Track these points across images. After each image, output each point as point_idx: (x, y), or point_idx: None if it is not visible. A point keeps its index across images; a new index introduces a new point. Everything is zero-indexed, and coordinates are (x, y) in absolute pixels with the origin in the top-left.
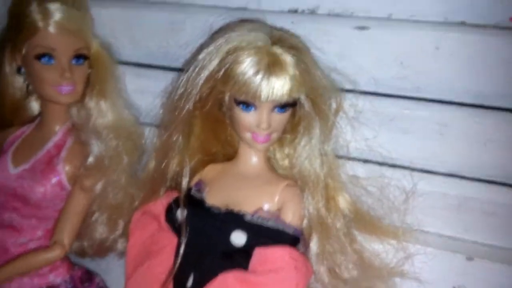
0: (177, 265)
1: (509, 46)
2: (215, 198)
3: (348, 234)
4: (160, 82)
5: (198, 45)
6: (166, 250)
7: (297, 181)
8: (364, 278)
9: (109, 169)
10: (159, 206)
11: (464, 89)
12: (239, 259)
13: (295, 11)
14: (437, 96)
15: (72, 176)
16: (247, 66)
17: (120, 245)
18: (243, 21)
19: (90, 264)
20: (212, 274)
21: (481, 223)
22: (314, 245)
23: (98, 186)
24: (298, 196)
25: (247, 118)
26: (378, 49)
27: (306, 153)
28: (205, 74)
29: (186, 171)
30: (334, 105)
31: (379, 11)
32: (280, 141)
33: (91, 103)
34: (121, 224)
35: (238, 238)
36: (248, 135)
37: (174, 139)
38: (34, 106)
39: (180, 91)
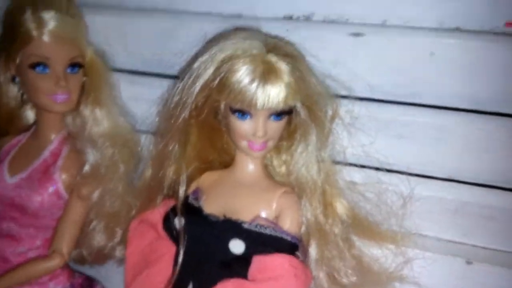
0: (176, 274)
1: (504, 51)
2: (212, 206)
3: (346, 239)
4: (155, 89)
5: (193, 52)
6: (165, 258)
7: (294, 188)
8: (364, 283)
9: (105, 177)
10: (157, 214)
11: (460, 94)
12: (238, 267)
13: (290, 18)
14: (433, 101)
15: (69, 184)
16: (242, 74)
17: (118, 252)
18: (237, 29)
19: (90, 271)
20: (211, 282)
21: (479, 227)
22: (313, 251)
23: (95, 195)
24: (296, 203)
25: (243, 126)
26: (373, 55)
27: (303, 160)
28: (200, 83)
29: (183, 180)
30: (330, 112)
31: (374, 17)
32: (277, 148)
33: (86, 111)
34: (118, 232)
35: (237, 246)
36: (244, 143)
37: (170, 147)
38: (30, 114)
39: (175, 99)
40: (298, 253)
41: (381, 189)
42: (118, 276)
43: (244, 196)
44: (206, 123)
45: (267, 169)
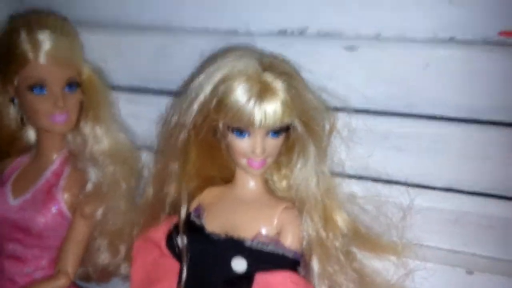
0: None
1: (498, 60)
2: (214, 223)
3: (347, 253)
4: (153, 106)
5: (190, 68)
6: (169, 276)
7: (295, 203)
8: None
9: (107, 195)
10: (159, 232)
11: (456, 104)
12: (241, 285)
13: (284, 32)
14: (429, 112)
15: (72, 204)
16: (239, 94)
17: (123, 269)
18: (233, 48)
19: None
20: None
21: (479, 237)
22: (314, 266)
23: (98, 213)
24: (296, 218)
25: (241, 144)
26: (368, 68)
27: (303, 174)
28: (198, 103)
29: (184, 198)
30: (327, 126)
31: (367, 30)
32: (277, 164)
33: (86, 128)
34: (122, 249)
35: (239, 264)
36: (243, 161)
37: (171, 166)
38: (30, 134)
39: (174, 119)
40: (300, 269)
41: (380, 201)
42: None
43: (245, 213)
44: (205, 141)
45: (267, 184)
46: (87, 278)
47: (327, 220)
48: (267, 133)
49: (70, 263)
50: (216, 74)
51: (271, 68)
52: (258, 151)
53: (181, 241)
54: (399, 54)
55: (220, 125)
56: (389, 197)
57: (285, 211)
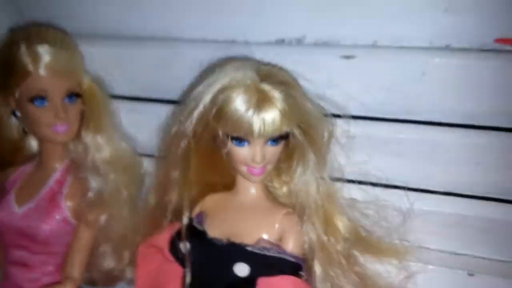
0: None
1: (494, 67)
2: (216, 230)
3: (349, 257)
4: (153, 115)
5: (189, 77)
6: (173, 281)
7: (295, 208)
8: None
9: (109, 202)
10: (163, 239)
11: (453, 110)
12: None
13: (282, 42)
14: (427, 118)
15: (75, 211)
16: (237, 104)
17: (128, 273)
18: (231, 59)
19: None
20: None
21: (480, 239)
22: (316, 270)
23: (101, 220)
24: (297, 223)
25: (241, 152)
26: (365, 76)
27: (303, 180)
28: (197, 113)
29: (186, 205)
30: (326, 133)
31: (364, 38)
32: (277, 170)
33: (87, 138)
34: (126, 254)
35: (241, 269)
36: (244, 168)
37: (172, 174)
38: (33, 144)
39: (174, 129)
40: (302, 273)
41: (381, 206)
42: None
43: (246, 219)
44: (205, 148)
45: (268, 190)
46: (93, 283)
47: (328, 225)
48: (266, 141)
49: (76, 269)
50: (215, 84)
51: (269, 78)
52: (257, 159)
53: (184, 246)
54: (395, 62)
55: (220, 133)
56: (389, 202)
57: (286, 216)
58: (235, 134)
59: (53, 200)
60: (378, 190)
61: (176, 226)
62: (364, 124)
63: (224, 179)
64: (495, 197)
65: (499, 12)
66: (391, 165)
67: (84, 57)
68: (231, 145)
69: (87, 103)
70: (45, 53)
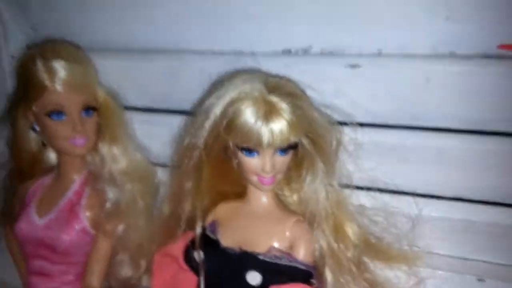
0: None
1: (498, 72)
2: (228, 238)
3: (359, 263)
4: (165, 125)
5: (197, 88)
6: None
7: (306, 215)
8: None
9: (126, 213)
10: (177, 248)
11: (459, 116)
12: None
13: (288, 52)
14: (433, 124)
15: (94, 222)
16: (246, 116)
17: (145, 281)
18: (239, 72)
19: None
20: None
21: (490, 244)
22: (327, 277)
23: (119, 230)
24: (308, 231)
25: (251, 162)
26: (371, 84)
27: (313, 188)
28: (208, 125)
29: (199, 215)
30: (334, 142)
31: (369, 47)
32: (287, 178)
33: (104, 149)
34: (143, 263)
35: (254, 278)
36: (254, 178)
37: (185, 185)
38: (51, 156)
39: (186, 141)
40: (313, 281)
41: (389, 212)
42: None
43: (258, 227)
44: (217, 159)
45: (278, 198)
46: None
47: (337, 232)
48: (275, 151)
49: (96, 278)
50: (225, 97)
51: (277, 90)
52: (267, 169)
53: (198, 255)
54: (400, 70)
55: (231, 144)
56: (398, 208)
57: (297, 224)
58: (245, 145)
59: (72, 211)
60: (386, 197)
61: (189, 235)
62: (371, 131)
63: (235, 188)
64: (504, 202)
65: (501, 18)
66: (399, 172)
67: (98, 70)
68: (242, 156)
69: (103, 115)
70: (60, 68)
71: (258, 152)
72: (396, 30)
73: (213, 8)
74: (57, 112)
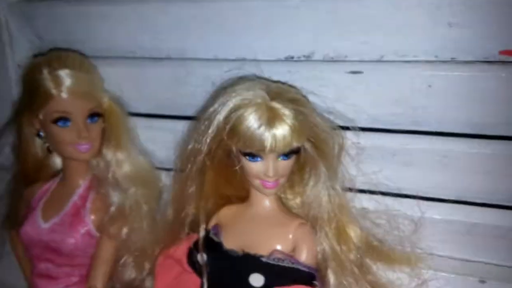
0: None
1: (499, 78)
2: (231, 241)
3: (362, 265)
4: (169, 131)
5: (201, 94)
6: None
7: (308, 219)
8: None
9: (130, 216)
10: (180, 250)
11: (460, 121)
12: None
13: (291, 58)
14: (434, 128)
15: (99, 225)
16: (249, 122)
17: (148, 283)
18: (242, 79)
19: None
20: None
21: (491, 246)
22: (330, 279)
23: (123, 233)
24: (311, 234)
25: (254, 167)
26: (373, 90)
27: (315, 192)
28: (211, 131)
29: (202, 218)
30: (336, 147)
31: (371, 53)
32: (290, 182)
33: (108, 154)
34: (147, 265)
35: (256, 280)
36: (257, 182)
37: (189, 189)
38: (57, 161)
39: (190, 146)
40: (315, 283)
41: (392, 215)
42: None
43: (261, 230)
44: (220, 163)
45: (281, 201)
46: None
47: (340, 235)
48: (278, 156)
49: (100, 280)
50: (228, 103)
51: (279, 96)
52: (270, 173)
53: (201, 258)
54: (402, 76)
55: (234, 149)
56: (400, 211)
57: (300, 227)
58: (248, 150)
59: (77, 215)
60: (389, 200)
61: (193, 238)
62: (373, 136)
63: (238, 192)
64: (505, 205)
65: (502, 24)
66: (401, 175)
67: (103, 77)
68: (245, 161)
69: (107, 121)
70: (66, 77)
71: (261, 157)
72: (398, 36)
73: (217, 16)
74: (63, 119)
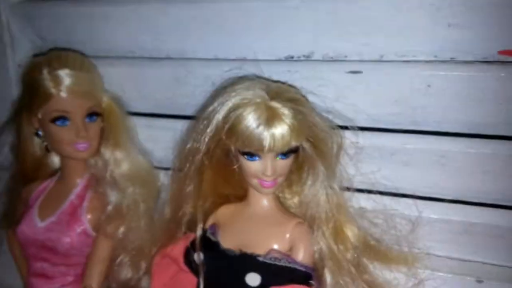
0: None
1: (498, 78)
2: (229, 240)
3: (359, 265)
4: (169, 130)
5: (201, 94)
6: None
7: (306, 218)
8: None
9: (127, 215)
10: (177, 250)
11: (459, 121)
12: None
13: (291, 58)
14: (433, 128)
15: (95, 224)
16: (248, 122)
17: (144, 283)
18: (242, 78)
19: None
20: None
21: (488, 246)
22: (327, 279)
23: (119, 232)
24: (308, 233)
25: (252, 166)
26: (372, 90)
27: (313, 192)
28: (210, 131)
29: (200, 217)
30: (335, 146)
31: (370, 53)
32: (288, 181)
33: (106, 153)
34: (143, 265)
35: (253, 279)
36: (255, 181)
37: (187, 188)
38: (55, 160)
39: (189, 145)
40: (312, 282)
41: (389, 215)
42: None
43: (258, 229)
44: (219, 162)
45: (279, 201)
46: None
47: (337, 234)
48: (276, 156)
49: (96, 279)
50: (227, 103)
51: (278, 96)
52: (268, 172)
53: (198, 257)
54: (401, 76)
55: (232, 149)
56: (398, 210)
57: (297, 226)
58: (246, 150)
59: (74, 214)
60: (386, 199)
61: (190, 237)
62: (372, 135)
63: (236, 191)
64: (502, 204)
65: (502, 25)
66: (399, 175)
67: (102, 77)
68: (243, 160)
69: (106, 120)
70: (65, 76)
71: (259, 156)
72: (398, 36)
73: (217, 16)
74: (62, 118)
